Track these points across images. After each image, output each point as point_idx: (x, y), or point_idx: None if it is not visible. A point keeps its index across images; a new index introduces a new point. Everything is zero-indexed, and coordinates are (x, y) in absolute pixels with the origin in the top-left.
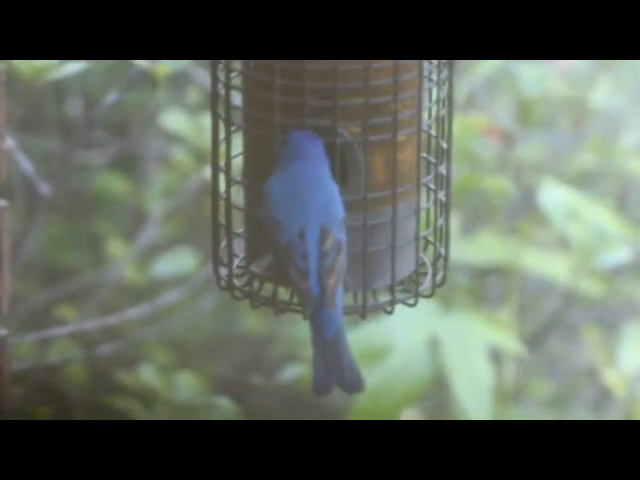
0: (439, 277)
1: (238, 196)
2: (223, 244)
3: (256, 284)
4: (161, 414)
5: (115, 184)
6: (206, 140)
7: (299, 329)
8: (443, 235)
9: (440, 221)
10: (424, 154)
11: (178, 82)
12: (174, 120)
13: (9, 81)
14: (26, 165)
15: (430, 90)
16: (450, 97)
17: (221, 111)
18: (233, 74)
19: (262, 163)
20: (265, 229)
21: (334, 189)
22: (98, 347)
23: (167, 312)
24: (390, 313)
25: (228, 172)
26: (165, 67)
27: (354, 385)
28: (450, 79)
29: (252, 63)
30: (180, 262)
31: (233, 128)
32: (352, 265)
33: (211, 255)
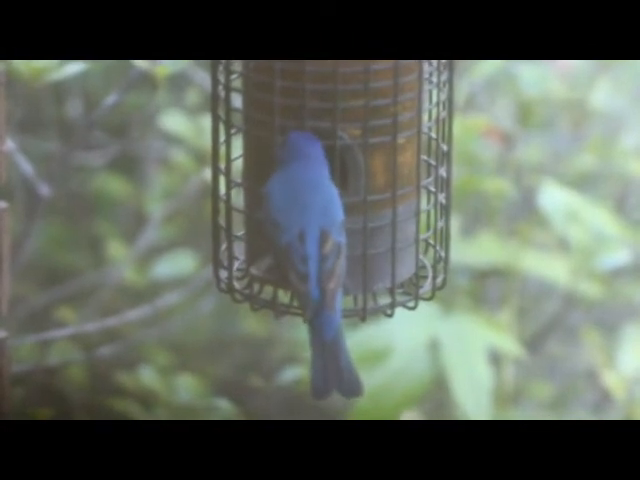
0: (439, 280)
1: (238, 198)
2: (223, 246)
3: (256, 287)
4: (161, 416)
5: (115, 185)
6: (206, 142)
7: (299, 331)
8: (443, 238)
9: (440, 224)
10: (424, 156)
11: (178, 83)
12: (174, 122)
13: (9, 82)
14: (26, 166)
15: (430, 92)
16: (450, 99)
17: (221, 113)
18: (233, 76)
19: (262, 165)
20: (265, 231)
21: (334, 191)
22: (98, 349)
23: (167, 314)
24: (390, 316)
25: (228, 174)
26: (165, 68)
27: (352, 389)
28: (450, 81)
29: (252, 64)
30: (180, 264)
31: (233, 130)
32: (352, 268)
33: (211, 257)
